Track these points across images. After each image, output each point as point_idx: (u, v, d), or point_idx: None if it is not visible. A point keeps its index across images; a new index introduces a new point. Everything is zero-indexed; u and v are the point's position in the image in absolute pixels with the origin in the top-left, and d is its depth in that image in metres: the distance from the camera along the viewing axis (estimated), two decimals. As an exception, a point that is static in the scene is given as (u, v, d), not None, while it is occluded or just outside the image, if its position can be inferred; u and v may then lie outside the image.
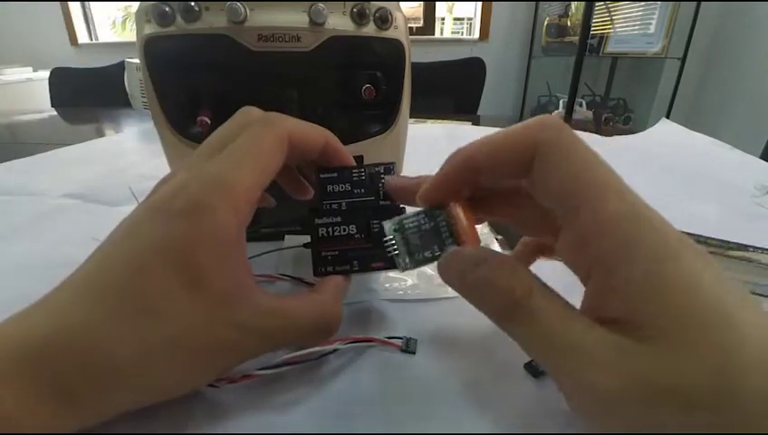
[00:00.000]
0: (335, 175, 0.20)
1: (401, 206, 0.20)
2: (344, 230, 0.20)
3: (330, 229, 0.20)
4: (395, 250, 0.17)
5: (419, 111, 0.71)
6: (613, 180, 0.13)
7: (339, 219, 0.20)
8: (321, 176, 0.20)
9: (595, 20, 1.81)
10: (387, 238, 0.17)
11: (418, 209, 0.17)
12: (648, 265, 0.12)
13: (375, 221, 0.20)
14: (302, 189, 0.22)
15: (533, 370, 0.18)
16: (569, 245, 0.14)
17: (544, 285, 0.14)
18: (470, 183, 0.17)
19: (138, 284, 0.14)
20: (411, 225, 0.17)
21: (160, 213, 0.15)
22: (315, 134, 0.19)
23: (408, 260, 0.17)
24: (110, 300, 0.14)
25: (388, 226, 0.17)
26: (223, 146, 0.17)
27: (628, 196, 0.13)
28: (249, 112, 0.19)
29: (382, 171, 0.21)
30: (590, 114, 1.96)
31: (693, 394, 0.11)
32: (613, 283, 0.12)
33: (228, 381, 0.17)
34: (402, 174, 0.30)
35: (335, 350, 0.19)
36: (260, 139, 0.17)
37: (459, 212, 0.17)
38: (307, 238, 0.20)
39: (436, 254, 0.17)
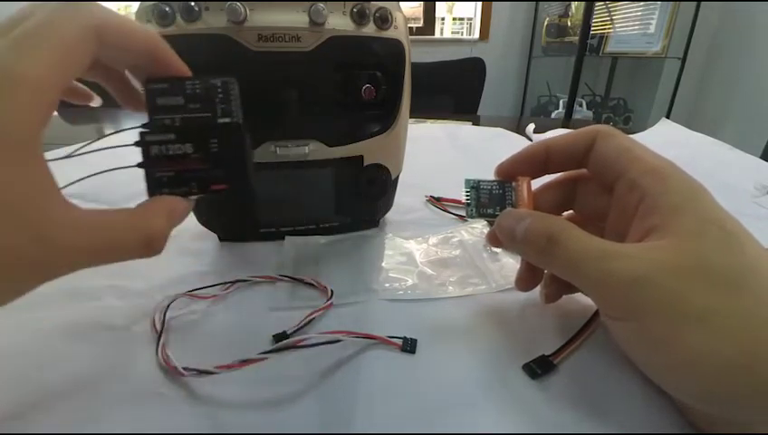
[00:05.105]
0: (166, 86, 0.18)
1: (240, 123, 0.19)
2: (179, 149, 0.18)
3: (163, 148, 0.18)
4: (468, 202, 0.22)
5: (419, 111, 0.70)
6: (648, 148, 0.19)
7: (173, 136, 0.18)
8: (149, 86, 0.18)
9: (595, 20, 1.81)
10: (465, 191, 0.22)
11: (496, 179, 0.22)
12: (683, 193, 0.16)
13: (213, 140, 0.18)
14: (134, 99, 0.21)
15: (532, 371, 0.18)
16: (620, 192, 0.18)
17: (575, 226, 0.17)
18: (539, 166, 0.21)
19: None
20: (485, 187, 0.22)
21: None
22: (138, 32, 0.17)
23: (474, 212, 0.22)
24: None
25: (467, 182, 0.22)
26: (14, 28, 0.14)
27: (661, 156, 0.18)
28: None
29: (219, 84, 0.19)
30: (590, 114, 1.96)
31: (713, 270, 0.14)
32: (660, 202, 0.16)
33: (227, 367, 0.17)
34: (402, 174, 0.31)
35: (338, 340, 0.19)
36: (58, 22, 0.14)
37: (524, 186, 0.21)
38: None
39: (497, 212, 0.21)
